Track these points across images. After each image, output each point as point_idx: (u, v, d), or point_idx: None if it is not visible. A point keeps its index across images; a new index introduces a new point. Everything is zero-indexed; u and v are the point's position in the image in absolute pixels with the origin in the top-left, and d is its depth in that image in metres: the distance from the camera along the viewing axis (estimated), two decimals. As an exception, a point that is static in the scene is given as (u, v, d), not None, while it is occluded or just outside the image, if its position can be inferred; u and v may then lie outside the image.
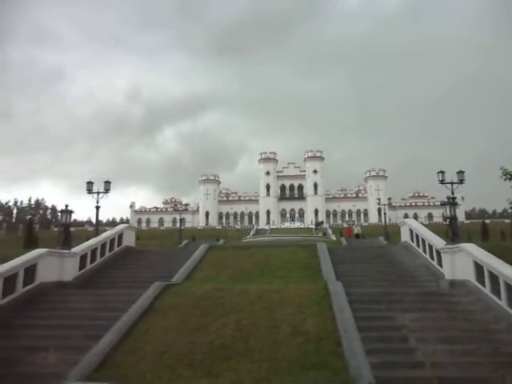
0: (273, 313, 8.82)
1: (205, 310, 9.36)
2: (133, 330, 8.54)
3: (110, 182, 20.92)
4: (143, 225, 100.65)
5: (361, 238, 41.95)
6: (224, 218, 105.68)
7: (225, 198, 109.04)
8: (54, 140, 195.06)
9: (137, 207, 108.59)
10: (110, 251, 15.23)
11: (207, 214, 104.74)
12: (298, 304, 9.15)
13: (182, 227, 54.12)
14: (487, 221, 54.52)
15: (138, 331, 8.55)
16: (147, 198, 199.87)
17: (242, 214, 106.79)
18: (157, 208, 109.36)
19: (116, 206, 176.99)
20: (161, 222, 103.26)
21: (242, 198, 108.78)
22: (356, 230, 46.02)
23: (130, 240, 17.37)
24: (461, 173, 22.92)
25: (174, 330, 8.44)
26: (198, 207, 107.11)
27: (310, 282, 11.10)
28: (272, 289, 10.23)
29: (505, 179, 10.83)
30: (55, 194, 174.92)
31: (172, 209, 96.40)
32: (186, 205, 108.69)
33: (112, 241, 15.61)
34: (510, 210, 10.73)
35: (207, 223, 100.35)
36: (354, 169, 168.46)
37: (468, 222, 75.57)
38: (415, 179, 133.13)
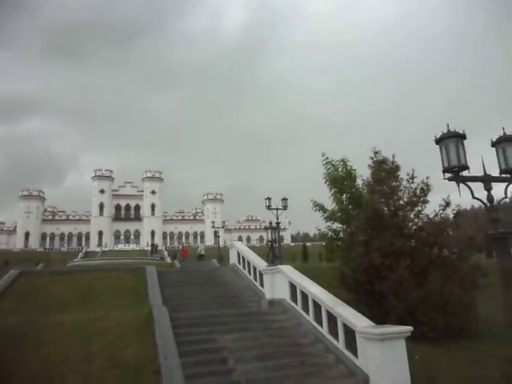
0: (89, 345, 8.07)
1: (6, 348, 8.03)
2: None
3: None
4: None
5: (203, 259, 42.48)
6: (48, 239, 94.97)
7: (50, 217, 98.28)
8: None
9: None
10: None
11: (27, 234, 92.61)
12: (119, 333, 8.58)
13: (-7, 249, 46.62)
14: (308, 244, 60.33)
15: None
16: None
17: (71, 234, 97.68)
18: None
19: None
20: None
21: (70, 218, 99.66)
22: (200, 250, 46.71)
23: None
24: (285, 200, 25.40)
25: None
26: (16, 226, 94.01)
27: (135, 308, 10.57)
28: (91, 318, 9.39)
29: (315, 210, 12.35)
30: None
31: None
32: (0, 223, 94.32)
33: None
34: (317, 235, 12.24)
35: (27, 245, 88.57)
36: (193, 190, 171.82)
37: (293, 244, 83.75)
38: (250, 203, 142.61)
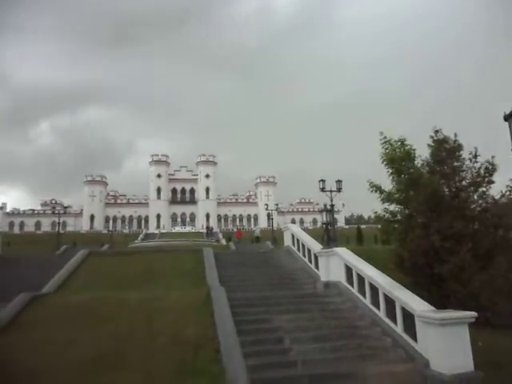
0: (152, 322, 8.53)
1: (78, 321, 8.69)
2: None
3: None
4: (16, 228, 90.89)
5: (258, 241, 43.14)
6: (111, 221, 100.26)
7: (112, 201, 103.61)
8: None
9: (8, 208, 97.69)
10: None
11: (92, 217, 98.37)
12: (179, 312, 8.99)
13: (63, 231, 50.08)
14: (363, 226, 58.81)
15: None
16: (22, 198, 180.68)
17: (131, 217, 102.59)
18: (33, 210, 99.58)
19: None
20: (38, 225, 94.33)
21: (130, 201, 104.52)
22: (256, 232, 47.57)
23: (-6, 246, 15.49)
24: (339, 182, 24.92)
25: (42, 345, 7.67)
26: (82, 210, 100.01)
27: (194, 288, 11.00)
28: (153, 296, 9.90)
29: (371, 191, 12.06)
30: None
31: (51, 211, 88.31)
32: (68, 207, 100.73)
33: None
34: (373, 217, 11.95)
35: (92, 227, 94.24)
36: (245, 174, 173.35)
37: (347, 227, 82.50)
38: (303, 186, 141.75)
